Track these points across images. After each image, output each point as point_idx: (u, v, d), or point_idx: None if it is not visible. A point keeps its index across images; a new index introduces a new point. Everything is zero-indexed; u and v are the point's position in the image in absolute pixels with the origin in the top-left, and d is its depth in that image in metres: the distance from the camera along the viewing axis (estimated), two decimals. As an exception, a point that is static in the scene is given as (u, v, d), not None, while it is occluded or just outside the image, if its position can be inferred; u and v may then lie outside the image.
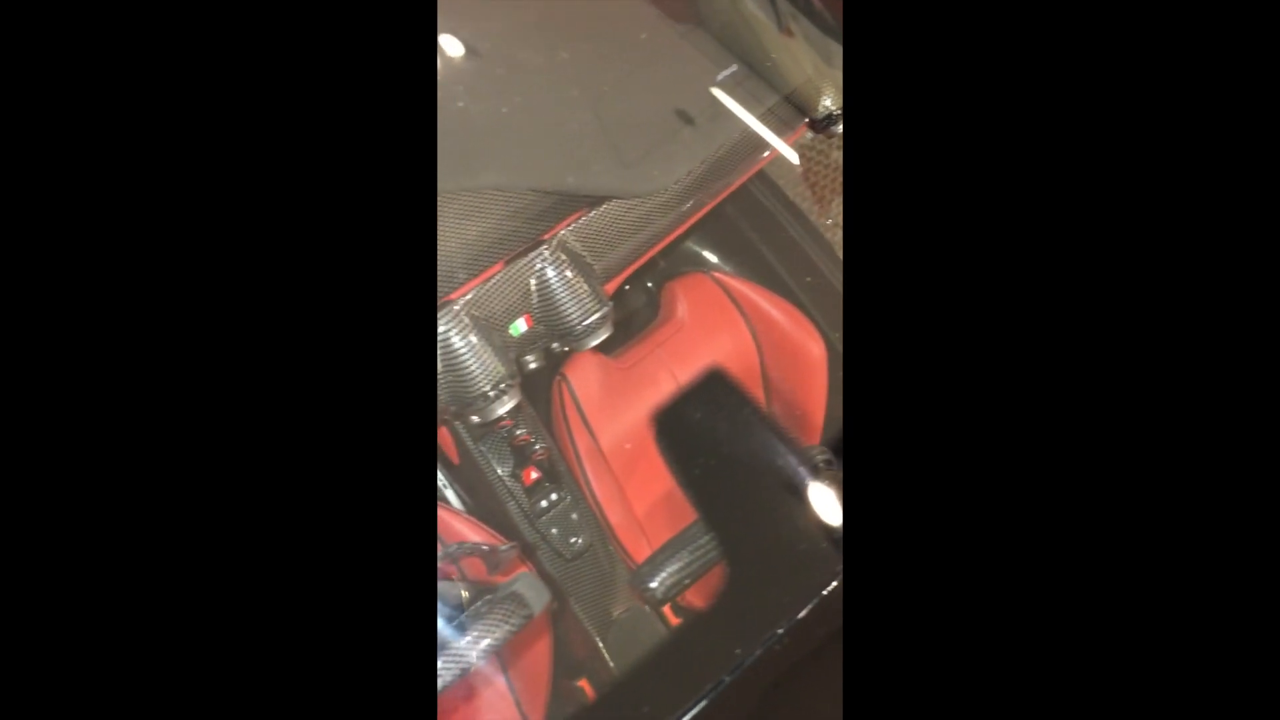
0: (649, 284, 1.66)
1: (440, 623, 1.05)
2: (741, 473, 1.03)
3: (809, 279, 1.49)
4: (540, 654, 1.35)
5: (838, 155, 1.81)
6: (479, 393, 1.08)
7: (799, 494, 1.12)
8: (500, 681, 1.34)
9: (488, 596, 1.04)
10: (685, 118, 1.17)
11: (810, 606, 0.90)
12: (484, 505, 1.42)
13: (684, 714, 0.90)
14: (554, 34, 1.13)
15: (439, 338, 1.07)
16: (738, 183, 1.25)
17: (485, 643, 0.99)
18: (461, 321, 1.07)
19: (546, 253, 1.11)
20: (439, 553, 1.12)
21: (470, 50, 1.09)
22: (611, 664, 1.36)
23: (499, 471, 1.37)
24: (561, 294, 1.12)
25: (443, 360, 1.07)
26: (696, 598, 1.43)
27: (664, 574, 1.02)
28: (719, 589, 1.03)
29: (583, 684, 1.44)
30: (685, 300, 1.55)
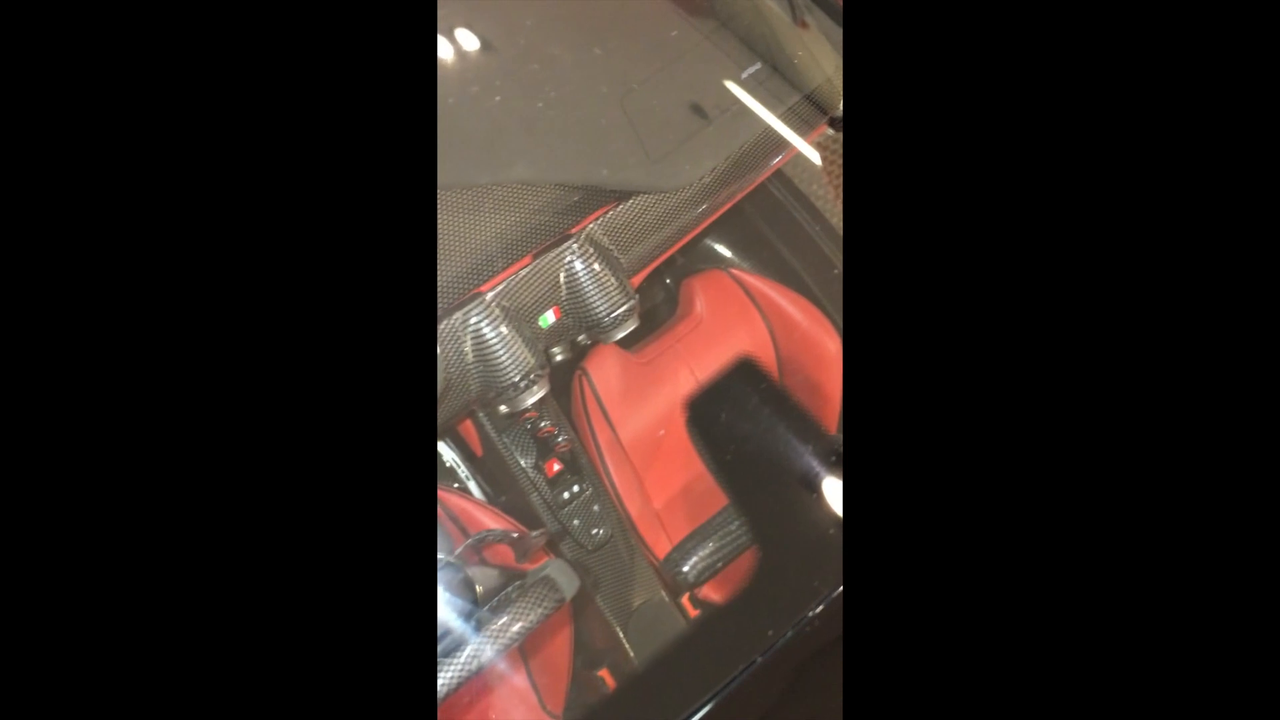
0: (667, 280, 1.68)
1: (472, 608, 1.07)
2: (769, 461, 1.05)
3: (828, 273, 1.52)
4: (561, 644, 1.37)
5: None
6: (509, 382, 1.10)
7: (820, 483, 1.15)
8: (521, 671, 1.36)
9: (518, 582, 1.06)
10: (710, 115, 1.19)
11: (839, 590, 0.92)
12: (507, 496, 1.44)
13: (715, 696, 0.92)
14: (587, 31, 1.15)
15: (471, 328, 1.09)
16: (760, 179, 1.27)
17: (518, 626, 1.01)
18: (492, 312, 1.09)
19: (575, 246, 1.13)
20: (467, 541, 1.14)
21: (508, 45, 1.11)
22: (632, 654, 1.38)
23: (522, 463, 1.39)
24: (589, 287, 1.14)
25: (474, 350, 1.10)
26: (714, 592, 1.45)
27: (695, 558, 1.04)
28: (747, 573, 1.05)
29: (603, 674, 1.46)
30: (703, 296, 1.57)
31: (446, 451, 1.51)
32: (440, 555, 1.09)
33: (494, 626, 1.00)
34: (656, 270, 1.48)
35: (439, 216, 1.06)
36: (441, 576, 1.06)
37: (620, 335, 1.17)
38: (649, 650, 1.40)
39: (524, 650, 1.36)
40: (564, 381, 1.46)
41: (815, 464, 1.14)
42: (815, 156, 1.31)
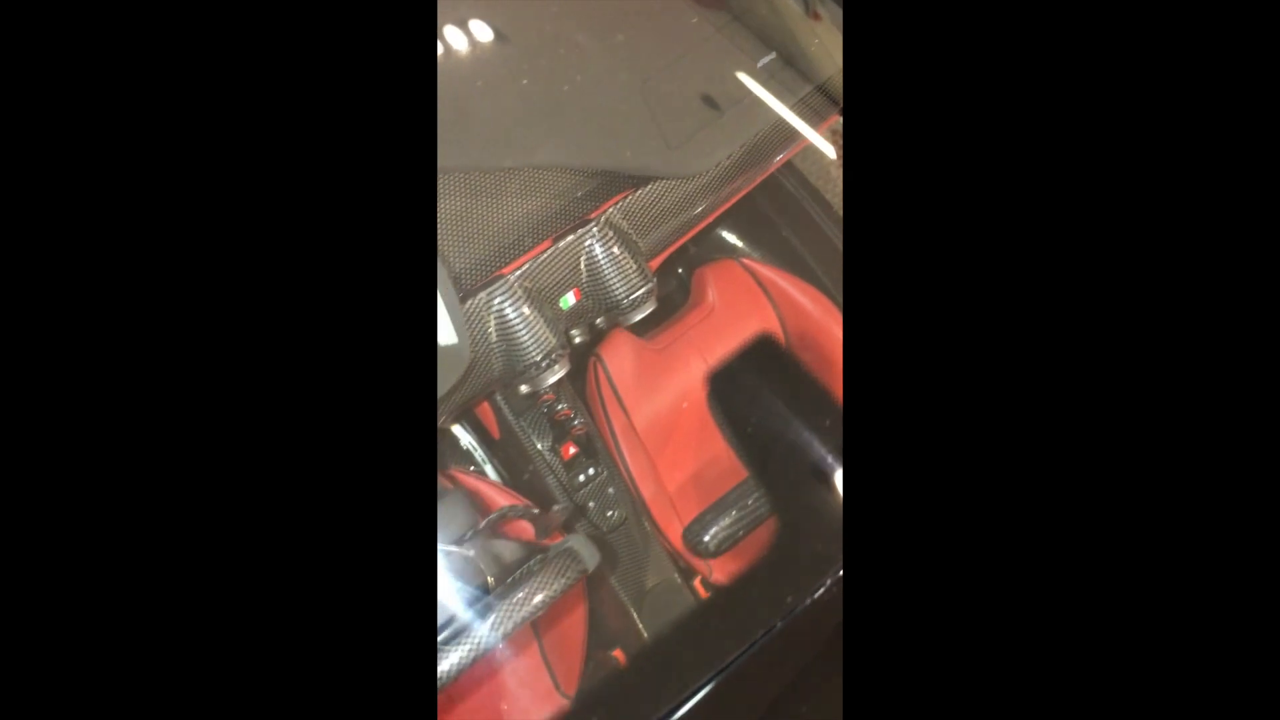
0: (679, 270, 1.71)
1: (495, 580, 1.10)
2: (786, 436, 1.08)
3: (838, 263, 1.55)
4: (576, 624, 1.39)
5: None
6: (531, 362, 1.13)
7: (832, 461, 1.18)
8: (535, 651, 1.39)
9: (539, 555, 1.09)
10: (725, 103, 1.23)
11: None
12: (523, 479, 1.47)
13: (732, 663, 0.95)
14: (609, 18, 1.18)
15: (495, 309, 1.12)
16: (773, 167, 1.30)
17: (541, 596, 1.03)
18: (515, 293, 1.12)
19: (595, 230, 1.16)
20: (490, 516, 1.17)
21: (534, 30, 1.15)
22: (645, 634, 1.40)
23: (539, 446, 1.42)
24: (609, 269, 1.17)
25: (497, 330, 1.13)
26: (726, 576, 1.48)
27: (716, 528, 1.07)
28: (763, 545, 1.08)
29: (617, 654, 1.48)
30: (715, 285, 1.60)
31: (463, 435, 1.54)
32: (464, 530, 1.12)
33: (517, 597, 1.03)
34: (669, 259, 1.51)
35: (465, 199, 1.10)
36: (457, 556, 1.09)
37: (639, 317, 1.20)
38: (662, 630, 1.42)
39: (539, 631, 1.39)
40: (579, 367, 1.49)
41: (828, 443, 1.17)
42: (827, 147, 1.34)
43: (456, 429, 1.53)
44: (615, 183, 1.17)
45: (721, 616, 1.13)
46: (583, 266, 1.18)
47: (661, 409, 1.53)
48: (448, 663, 1.01)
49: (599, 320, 1.25)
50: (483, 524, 1.10)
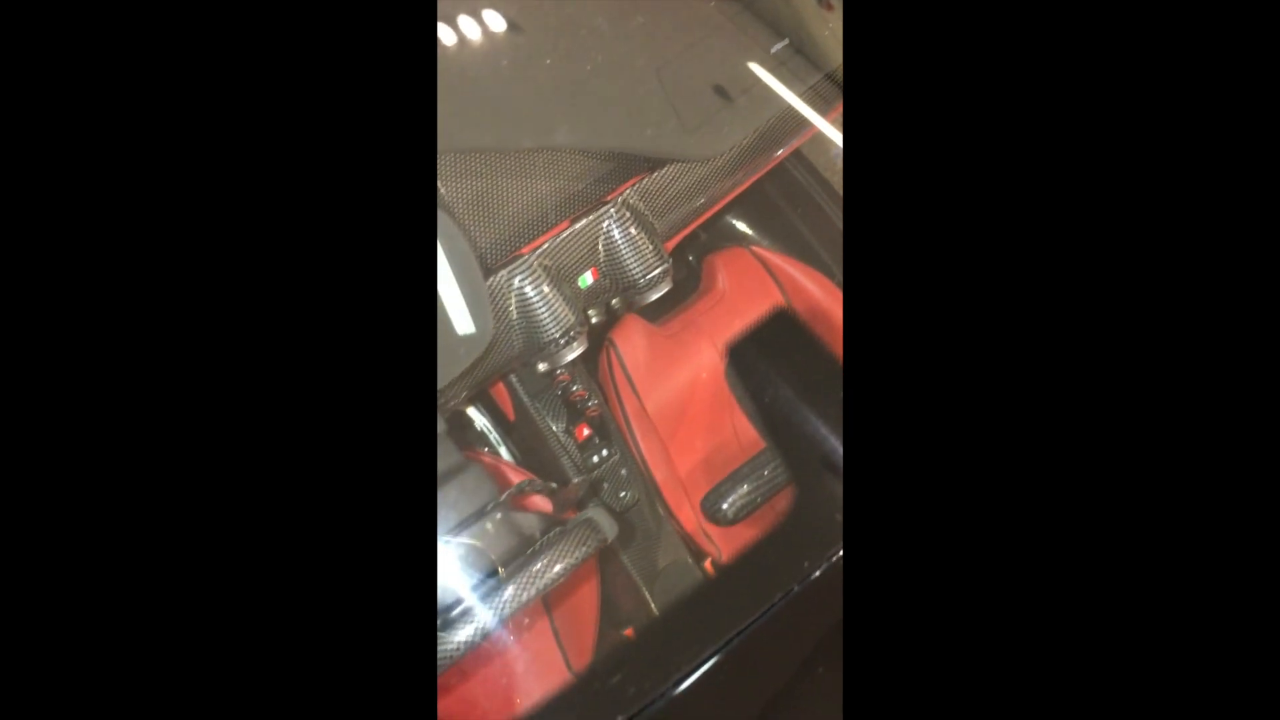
0: (690, 258, 1.74)
1: (514, 551, 1.12)
2: (802, 407, 1.10)
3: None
4: (588, 601, 1.42)
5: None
6: (550, 339, 1.16)
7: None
8: (548, 631, 1.41)
9: (559, 528, 1.11)
10: (740, 88, 1.25)
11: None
12: (538, 460, 1.49)
13: (741, 633, 0.97)
14: (628, 3, 1.21)
15: (515, 287, 1.14)
16: (785, 153, 1.33)
17: (561, 565, 1.06)
18: (535, 272, 1.14)
19: (613, 211, 1.19)
20: (510, 489, 1.19)
21: (555, 13, 1.17)
22: (657, 613, 1.43)
23: (554, 427, 1.45)
24: (626, 250, 1.20)
25: (517, 308, 1.15)
26: (734, 553, 1.50)
27: (734, 496, 1.10)
28: (784, 510, 1.10)
29: (629, 633, 1.50)
30: (725, 273, 1.63)
31: (478, 417, 1.56)
32: (484, 503, 1.14)
33: (537, 566, 1.05)
34: (680, 247, 1.53)
35: (487, 179, 1.12)
36: (486, 521, 1.11)
37: (655, 297, 1.23)
38: (674, 608, 1.44)
39: (550, 607, 1.41)
40: (593, 350, 1.51)
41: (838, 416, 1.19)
42: (836, 135, 1.37)
43: (471, 411, 1.55)
44: (632, 165, 1.20)
45: (730, 590, 1.15)
46: (600, 247, 1.20)
47: (673, 393, 1.56)
48: (466, 632, 1.03)
49: (614, 301, 1.28)
50: (503, 496, 1.12)
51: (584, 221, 1.18)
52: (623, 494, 1.47)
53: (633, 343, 1.53)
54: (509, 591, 1.03)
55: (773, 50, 1.26)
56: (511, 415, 1.49)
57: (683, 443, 1.56)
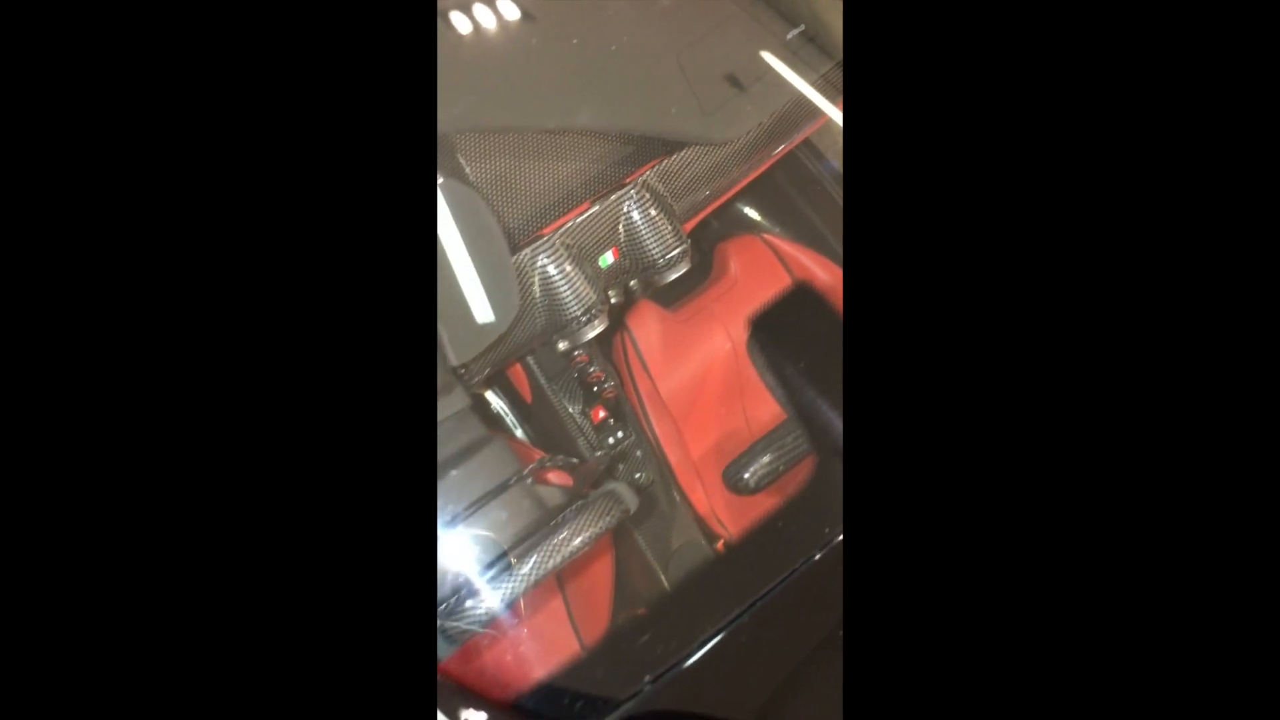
0: (702, 245, 1.76)
1: (537, 522, 1.14)
2: (818, 381, 1.13)
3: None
4: (603, 578, 1.44)
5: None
6: (571, 317, 1.18)
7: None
8: (562, 611, 1.43)
9: (579, 503, 1.13)
10: (756, 73, 1.28)
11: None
12: (555, 441, 1.51)
13: (771, 591, 1.00)
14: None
15: (539, 267, 1.17)
16: (798, 139, 1.36)
17: (584, 535, 1.08)
18: (557, 250, 1.17)
19: (634, 192, 1.21)
20: (532, 464, 1.21)
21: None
22: (677, 585, 1.45)
23: (570, 409, 1.47)
24: (646, 230, 1.22)
25: (540, 286, 1.18)
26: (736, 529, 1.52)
27: (756, 465, 1.12)
28: (805, 479, 1.12)
29: (643, 612, 1.53)
30: (737, 260, 1.65)
31: (495, 399, 1.58)
32: (507, 476, 1.16)
33: (561, 536, 1.07)
34: (692, 235, 1.56)
35: (512, 159, 1.15)
36: (511, 494, 1.13)
37: (673, 276, 1.25)
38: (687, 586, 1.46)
39: (564, 588, 1.43)
40: (608, 335, 1.54)
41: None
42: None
43: (488, 394, 1.57)
44: (652, 147, 1.22)
45: (751, 556, 1.17)
46: (621, 227, 1.23)
47: (686, 378, 1.58)
48: (489, 602, 1.05)
49: (632, 283, 1.30)
50: (526, 470, 1.15)
51: (605, 202, 1.21)
52: (638, 475, 1.49)
53: (647, 328, 1.55)
54: (534, 560, 1.06)
55: (787, 37, 1.29)
56: (529, 397, 1.51)
57: (695, 427, 1.59)
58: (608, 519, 1.07)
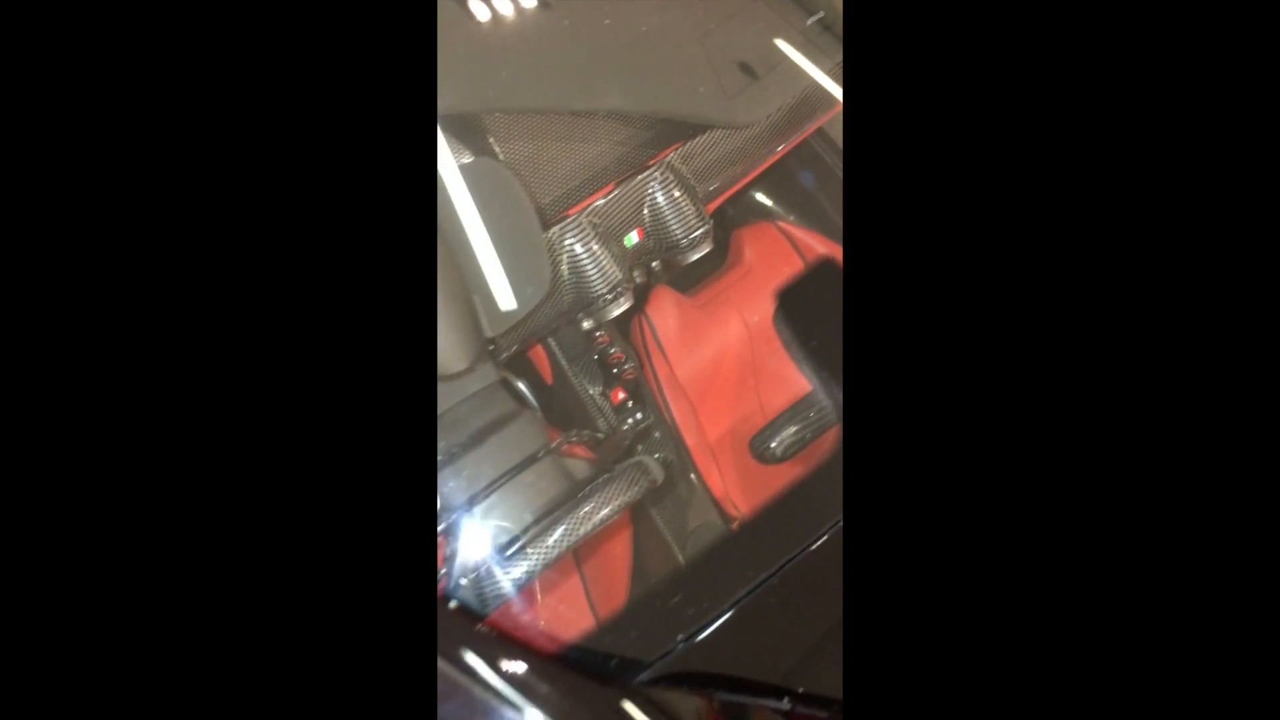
0: (717, 233, 1.79)
1: (565, 493, 1.17)
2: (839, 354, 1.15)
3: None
4: (620, 554, 1.46)
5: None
6: (597, 294, 1.21)
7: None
8: (579, 589, 1.45)
9: (606, 474, 1.16)
10: (776, 59, 1.32)
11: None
12: (575, 422, 1.54)
13: (799, 554, 1.02)
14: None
15: (566, 246, 1.20)
16: (817, 124, 1.39)
17: (615, 504, 1.11)
18: (584, 230, 1.20)
19: (658, 174, 1.25)
20: (561, 437, 1.24)
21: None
22: (694, 564, 1.47)
23: (590, 391, 1.50)
24: (669, 211, 1.25)
25: (568, 265, 1.21)
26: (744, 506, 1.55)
27: (782, 434, 1.15)
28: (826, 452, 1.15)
29: (670, 577, 1.55)
30: (752, 247, 1.69)
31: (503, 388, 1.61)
32: (536, 448, 1.19)
33: (591, 505, 1.10)
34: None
35: (541, 140, 1.18)
36: (541, 465, 1.16)
37: (696, 256, 1.28)
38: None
39: (581, 565, 1.45)
40: (628, 318, 1.56)
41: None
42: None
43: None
44: (675, 130, 1.25)
45: (766, 531, 1.20)
46: (645, 208, 1.26)
47: (703, 362, 1.61)
48: (519, 569, 1.08)
49: (655, 264, 1.33)
50: (555, 443, 1.17)
51: (631, 183, 1.24)
52: (656, 455, 1.52)
53: (664, 313, 1.58)
54: (565, 528, 1.08)
55: (807, 24, 1.33)
56: (549, 379, 1.54)
57: (711, 410, 1.62)
58: (636, 488, 1.10)
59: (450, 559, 1.08)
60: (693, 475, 1.56)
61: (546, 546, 1.08)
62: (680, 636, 0.96)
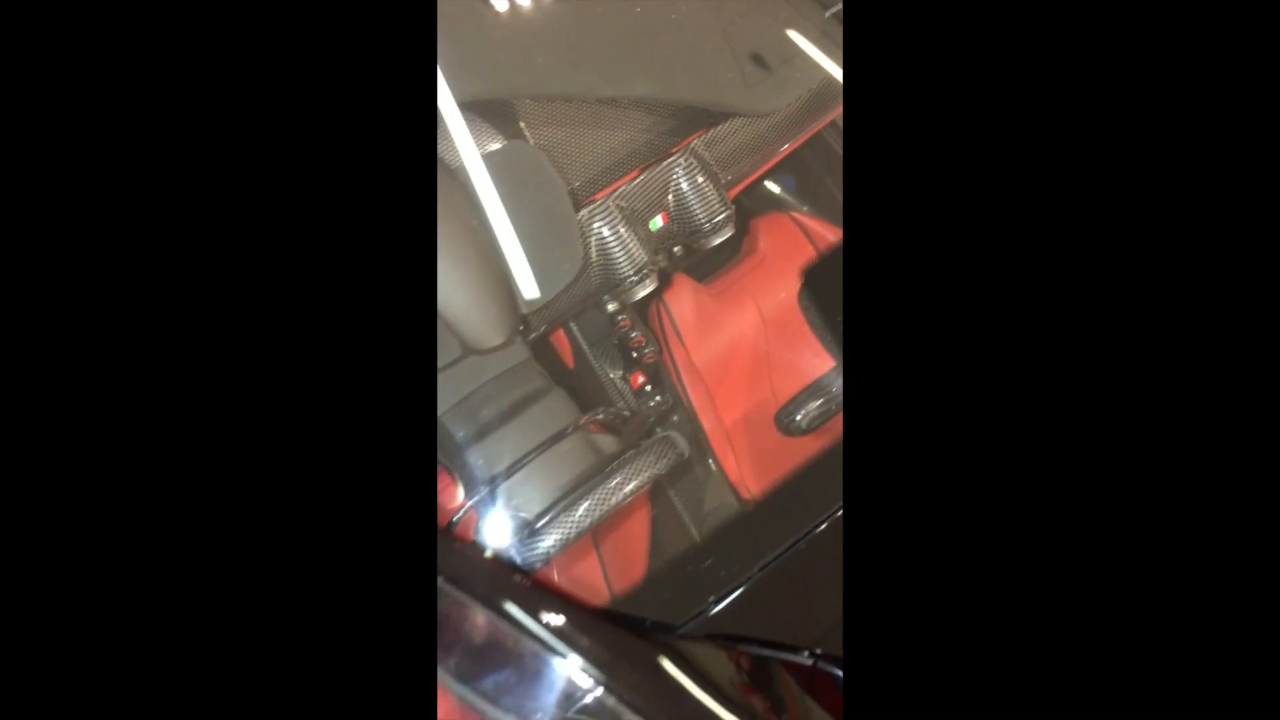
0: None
1: (594, 467, 1.21)
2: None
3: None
4: (638, 532, 1.49)
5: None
6: (623, 276, 1.25)
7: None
8: (597, 570, 1.48)
9: (632, 451, 1.20)
10: (794, 50, 1.36)
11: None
12: (595, 404, 1.58)
13: (825, 518, 1.06)
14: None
15: (593, 230, 1.24)
16: (829, 118, 1.44)
17: (642, 477, 1.15)
18: (612, 213, 1.24)
19: (682, 160, 1.29)
20: (588, 415, 1.27)
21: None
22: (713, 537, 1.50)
23: (610, 375, 1.54)
24: (693, 196, 1.30)
25: (595, 247, 1.25)
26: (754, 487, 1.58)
27: (807, 407, 1.19)
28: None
29: (697, 542, 1.58)
30: (766, 237, 1.73)
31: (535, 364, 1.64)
32: (566, 425, 1.23)
33: (620, 477, 1.14)
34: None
35: (570, 126, 1.22)
36: (571, 439, 1.20)
37: (718, 240, 1.32)
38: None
39: (599, 545, 1.48)
40: (648, 303, 1.60)
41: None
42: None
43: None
44: (700, 117, 1.30)
45: (771, 515, 1.24)
46: (670, 193, 1.30)
47: (718, 349, 1.65)
48: (549, 540, 1.12)
49: (676, 249, 1.37)
50: (583, 420, 1.21)
51: (656, 168, 1.28)
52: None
53: (681, 301, 1.62)
54: (593, 499, 1.12)
55: (827, 15, 1.37)
56: (570, 362, 1.57)
57: (726, 396, 1.65)
58: (665, 460, 1.14)
59: (482, 526, 1.12)
60: (710, 459, 1.60)
61: (577, 516, 1.12)
62: (711, 598, 1.00)
